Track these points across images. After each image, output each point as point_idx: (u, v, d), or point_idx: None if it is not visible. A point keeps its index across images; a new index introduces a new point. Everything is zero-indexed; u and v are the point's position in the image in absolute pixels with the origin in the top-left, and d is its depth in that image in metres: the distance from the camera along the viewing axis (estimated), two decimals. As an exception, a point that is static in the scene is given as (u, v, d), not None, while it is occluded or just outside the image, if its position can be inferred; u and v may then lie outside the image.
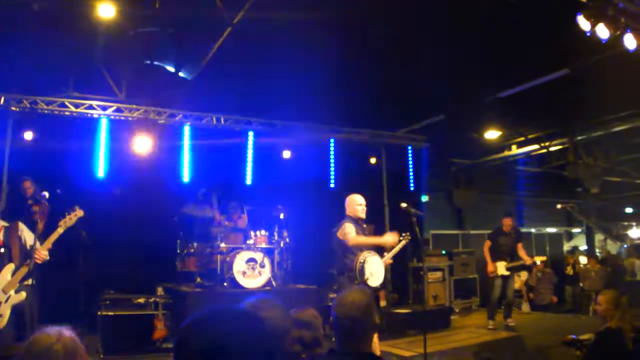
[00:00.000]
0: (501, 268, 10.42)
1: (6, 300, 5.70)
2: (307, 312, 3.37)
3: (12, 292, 5.76)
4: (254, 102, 11.21)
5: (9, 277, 5.79)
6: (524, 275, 14.77)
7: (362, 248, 6.81)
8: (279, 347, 2.45)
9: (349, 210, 7.11)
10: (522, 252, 10.62)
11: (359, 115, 11.85)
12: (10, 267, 5.85)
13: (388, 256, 7.23)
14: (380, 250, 7.20)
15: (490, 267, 10.59)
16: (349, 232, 6.76)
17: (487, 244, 10.89)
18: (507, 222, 10.79)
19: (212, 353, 1.39)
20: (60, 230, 6.04)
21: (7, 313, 5.67)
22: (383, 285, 6.96)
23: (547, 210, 20.82)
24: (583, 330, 6.25)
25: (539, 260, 10.58)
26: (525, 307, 13.92)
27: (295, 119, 12.03)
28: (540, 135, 15.16)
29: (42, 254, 5.86)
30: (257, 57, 9.55)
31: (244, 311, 1.57)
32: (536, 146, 15.53)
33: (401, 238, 7.45)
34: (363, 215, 7.13)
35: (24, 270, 5.84)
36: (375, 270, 6.78)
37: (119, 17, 8.13)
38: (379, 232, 8.75)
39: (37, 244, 5.91)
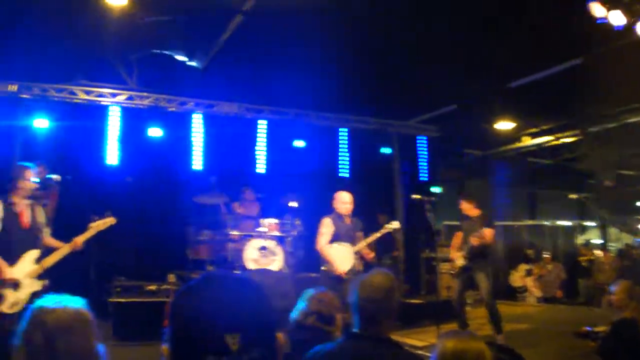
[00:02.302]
0: (459, 258, 8.55)
1: (28, 287, 5.52)
2: (326, 292, 3.34)
3: (34, 279, 5.60)
4: (265, 91, 11.16)
5: (34, 265, 5.62)
6: (521, 269, 14.61)
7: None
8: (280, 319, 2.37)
9: (335, 205, 7.78)
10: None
11: (370, 104, 11.78)
12: (36, 253, 5.69)
13: (362, 244, 7.74)
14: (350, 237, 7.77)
15: (451, 254, 8.97)
16: (321, 233, 7.67)
17: (458, 235, 8.95)
18: (463, 206, 8.71)
19: (206, 317, 1.32)
20: (92, 232, 6.05)
21: (25, 299, 5.43)
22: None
23: (559, 203, 20.67)
24: (596, 322, 6.18)
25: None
26: (532, 299, 13.78)
27: (307, 108, 12.00)
28: (552, 126, 15.03)
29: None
30: (269, 46, 9.50)
31: (242, 277, 1.49)
32: (548, 137, 15.40)
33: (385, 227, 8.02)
34: (346, 212, 7.73)
35: (52, 257, 5.78)
36: (341, 256, 7.58)
37: (129, 5, 8.09)
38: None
39: (46, 230, 5.94)
